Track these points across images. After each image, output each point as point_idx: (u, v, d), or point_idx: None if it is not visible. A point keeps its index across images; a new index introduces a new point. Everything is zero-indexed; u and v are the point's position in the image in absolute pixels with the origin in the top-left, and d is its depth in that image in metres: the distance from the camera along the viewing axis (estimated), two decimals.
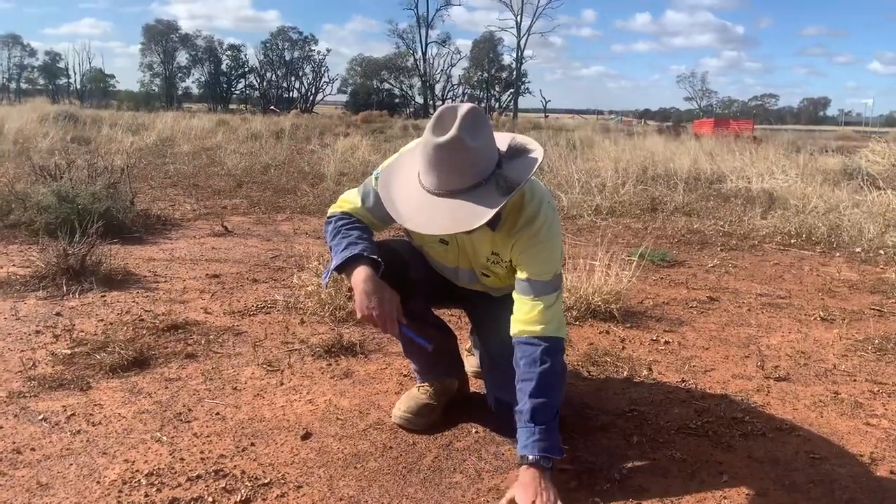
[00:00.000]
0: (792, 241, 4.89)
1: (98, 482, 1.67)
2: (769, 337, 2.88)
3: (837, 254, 4.55)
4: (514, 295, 1.76)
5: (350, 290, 2.74)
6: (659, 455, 1.90)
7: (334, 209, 1.89)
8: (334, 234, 1.83)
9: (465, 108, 1.59)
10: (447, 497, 1.67)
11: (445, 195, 1.59)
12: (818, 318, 3.15)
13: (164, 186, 6.21)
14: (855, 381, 2.46)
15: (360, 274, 1.73)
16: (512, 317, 1.74)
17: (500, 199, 1.58)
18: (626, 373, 2.44)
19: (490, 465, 1.82)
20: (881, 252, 4.54)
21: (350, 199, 1.88)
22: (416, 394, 2.07)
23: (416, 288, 1.91)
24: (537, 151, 1.71)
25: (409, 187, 1.66)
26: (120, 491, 1.63)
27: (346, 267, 1.76)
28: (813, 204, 5.78)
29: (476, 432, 1.99)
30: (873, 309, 3.34)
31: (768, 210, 5.78)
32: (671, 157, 8.64)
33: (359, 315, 1.74)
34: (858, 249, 4.65)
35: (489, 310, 2.00)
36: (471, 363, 2.35)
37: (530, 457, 1.64)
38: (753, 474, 1.82)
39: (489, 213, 1.57)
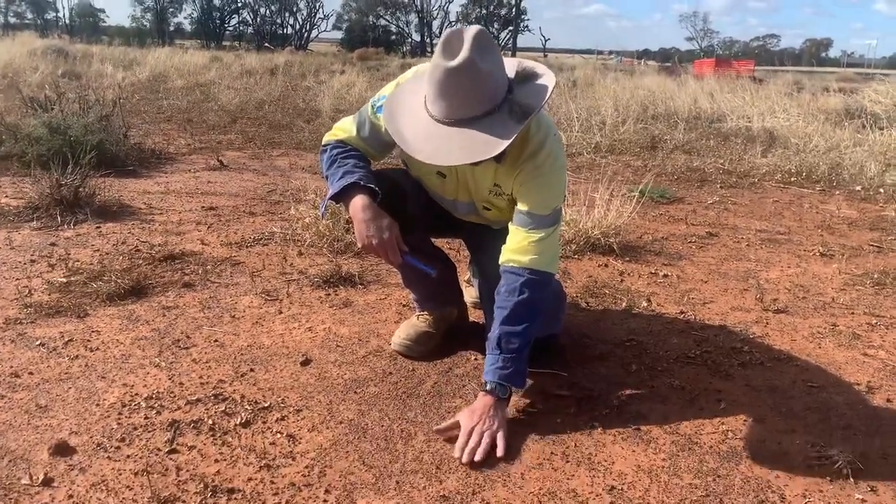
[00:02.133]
0: (792, 179, 4.85)
1: (97, 405, 1.67)
2: (768, 271, 2.87)
3: (837, 192, 4.52)
4: (510, 225, 1.73)
5: (349, 221, 2.71)
6: (657, 383, 1.91)
7: (329, 137, 1.83)
8: (330, 163, 1.78)
9: (472, 29, 1.52)
10: (447, 420, 1.67)
11: (457, 124, 1.53)
12: (817, 254, 3.14)
13: (157, 121, 6.10)
14: (853, 313, 2.46)
15: (358, 202, 1.69)
16: (504, 245, 1.72)
17: (515, 126, 1.52)
18: (624, 304, 2.44)
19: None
20: (881, 190, 4.52)
21: (345, 128, 1.82)
22: (415, 322, 2.06)
23: (415, 218, 1.88)
24: (548, 77, 1.64)
25: (415, 117, 1.60)
26: (119, 413, 1.63)
27: (342, 196, 1.72)
28: (814, 143, 5.72)
29: (475, 359, 1.99)
30: (872, 245, 3.33)
31: (769, 149, 5.72)
32: (671, 97, 8.50)
33: (359, 245, 1.71)
34: (858, 188, 4.62)
35: (488, 239, 1.97)
36: (470, 294, 2.34)
37: (487, 384, 1.65)
38: (751, 402, 1.83)
39: (504, 143, 1.51)
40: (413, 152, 1.56)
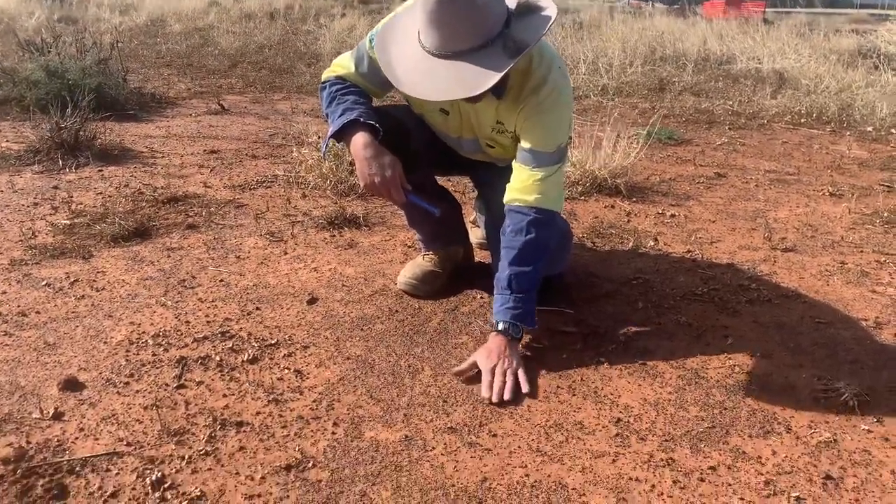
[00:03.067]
0: (802, 120, 4.77)
1: (105, 342, 1.67)
2: (776, 211, 2.84)
3: (848, 133, 4.45)
4: (514, 163, 1.70)
5: (352, 164, 2.68)
6: (664, 320, 1.90)
7: (328, 74, 1.78)
8: (329, 101, 1.73)
9: None
10: (453, 356, 1.67)
11: (448, 56, 1.48)
12: (826, 193, 3.10)
13: (156, 66, 6.00)
14: (862, 252, 2.44)
15: (359, 140, 1.66)
16: (508, 184, 1.69)
17: (507, 61, 1.46)
18: (631, 244, 2.42)
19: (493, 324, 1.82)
20: (893, 131, 4.44)
21: (343, 64, 1.77)
22: (421, 262, 2.05)
23: (419, 155, 1.84)
24: (550, 9, 1.58)
25: (407, 49, 1.54)
26: (127, 350, 1.64)
27: (343, 134, 1.68)
28: (825, 84, 5.61)
29: (481, 298, 1.98)
30: (882, 185, 3.29)
31: (778, 90, 5.61)
32: (680, 38, 8.31)
33: (361, 184, 1.68)
34: (870, 129, 4.54)
35: (495, 177, 1.94)
36: (475, 234, 2.32)
37: (500, 324, 1.64)
38: (759, 337, 1.83)
39: (494, 77, 1.46)
40: (400, 85, 1.52)
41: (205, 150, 3.36)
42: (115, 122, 3.66)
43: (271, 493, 1.22)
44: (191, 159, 3.21)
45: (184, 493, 1.21)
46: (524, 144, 1.66)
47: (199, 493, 1.21)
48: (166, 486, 1.22)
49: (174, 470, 1.27)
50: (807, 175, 3.43)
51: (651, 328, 1.86)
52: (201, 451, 1.32)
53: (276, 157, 3.32)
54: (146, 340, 1.68)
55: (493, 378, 1.55)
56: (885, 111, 4.76)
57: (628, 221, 2.66)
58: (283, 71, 5.77)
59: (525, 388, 1.56)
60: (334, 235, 2.39)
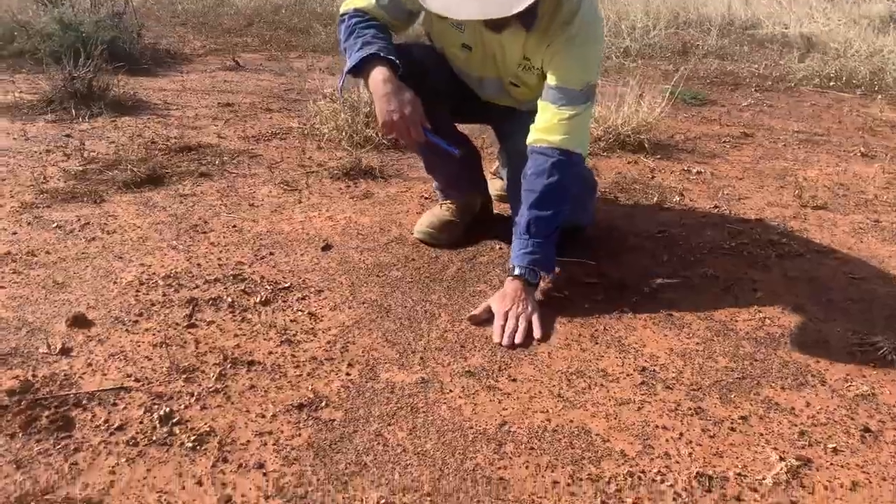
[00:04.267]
0: (831, 83, 4.62)
1: (115, 282, 1.63)
2: (806, 170, 2.74)
3: (880, 96, 4.30)
4: (539, 102, 1.62)
5: (368, 114, 2.61)
6: (691, 273, 1.83)
7: (346, 6, 1.71)
8: (348, 34, 1.66)
9: None
10: (471, 303, 1.62)
11: None
12: (858, 154, 3.00)
13: (171, 24, 5.92)
14: None
15: (378, 75, 1.58)
16: (532, 125, 1.61)
17: None
18: (655, 199, 2.34)
19: None
20: None
21: None
22: (438, 211, 1.99)
23: (439, 95, 1.76)
24: None
25: None
26: (137, 290, 1.59)
27: (361, 69, 1.61)
28: (855, 48, 5.43)
29: (500, 248, 1.92)
30: None
31: (806, 54, 5.44)
32: (704, 2, 8.08)
33: (380, 121, 1.61)
34: None
35: (517, 123, 1.86)
36: (495, 186, 2.25)
37: (516, 269, 1.59)
38: (790, 291, 1.75)
39: (526, 1, 1.40)
40: (428, 4, 1.45)
41: (219, 104, 3.29)
42: (128, 75, 3.59)
43: (283, 431, 1.17)
44: (205, 111, 3.15)
45: (192, 429, 1.17)
46: (551, 81, 1.58)
47: (207, 429, 1.17)
48: (174, 421, 1.18)
49: (183, 406, 1.22)
50: (837, 136, 3.31)
51: (677, 280, 1.79)
52: (211, 388, 1.27)
53: (290, 110, 3.25)
54: (156, 281, 1.64)
55: (505, 322, 1.50)
56: None
57: (652, 177, 2.57)
58: (300, 31, 5.67)
59: (537, 333, 1.50)
60: (349, 186, 2.32)
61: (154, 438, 1.14)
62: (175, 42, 4.79)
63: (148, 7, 6.71)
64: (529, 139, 1.62)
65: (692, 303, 1.68)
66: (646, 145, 2.85)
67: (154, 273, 1.67)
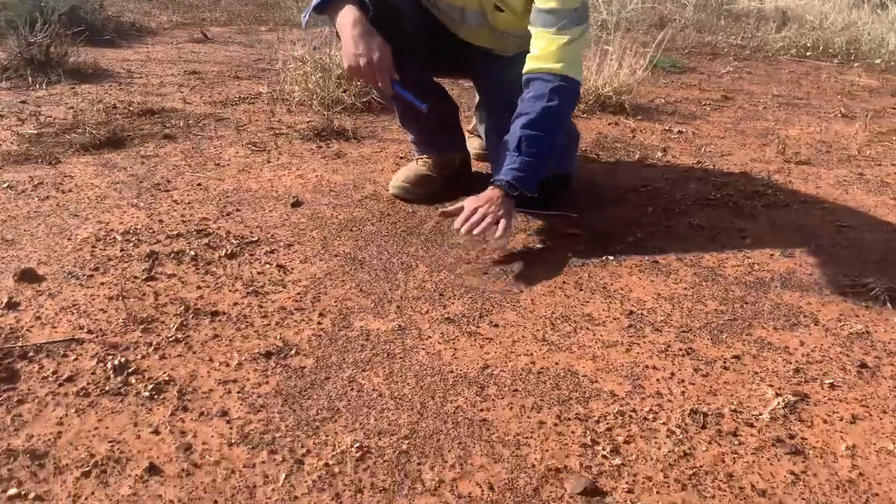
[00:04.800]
0: (808, 53, 4.59)
1: (69, 239, 1.52)
2: (787, 129, 2.69)
3: (856, 64, 4.28)
4: (533, 29, 1.54)
5: (340, 76, 2.51)
6: (676, 223, 1.77)
7: None
8: None
9: None
10: (449, 255, 1.54)
11: None
12: (838, 115, 2.96)
13: (136, 1, 5.73)
14: (880, 165, 2.31)
15: (348, 16, 1.49)
16: (527, 55, 1.53)
17: None
18: (637, 156, 2.27)
19: None
20: None
21: None
22: (414, 166, 1.90)
23: (412, 42, 1.67)
24: None
25: None
26: (93, 246, 1.49)
27: (328, 6, 1.51)
28: (830, 20, 5.41)
29: None
30: (895, 108, 3.13)
31: (782, 26, 5.42)
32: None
33: (345, 65, 1.52)
34: (878, 61, 4.37)
35: (497, 71, 1.78)
36: (474, 145, 2.16)
37: (498, 180, 1.52)
38: (778, 239, 1.70)
39: None
40: None
41: (185, 72, 3.17)
42: (90, 46, 3.45)
43: (248, 379, 1.09)
44: (170, 79, 3.02)
45: (150, 378, 1.07)
46: (543, 5, 1.49)
47: (166, 378, 1.08)
48: (130, 370, 1.09)
49: (140, 356, 1.13)
50: (816, 100, 3.27)
51: (662, 230, 1.72)
52: (171, 338, 1.18)
53: (260, 78, 3.13)
54: (115, 237, 1.54)
55: (470, 214, 1.46)
56: (893, 44, 4.58)
57: (633, 137, 2.51)
58: (270, 6, 5.52)
59: (499, 232, 1.45)
60: (321, 146, 2.23)
61: (107, 389, 1.05)
62: (140, 16, 4.63)
63: None
64: (527, 68, 1.54)
65: (679, 250, 1.62)
66: (626, 107, 2.79)
67: (112, 230, 1.57)
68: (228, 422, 0.99)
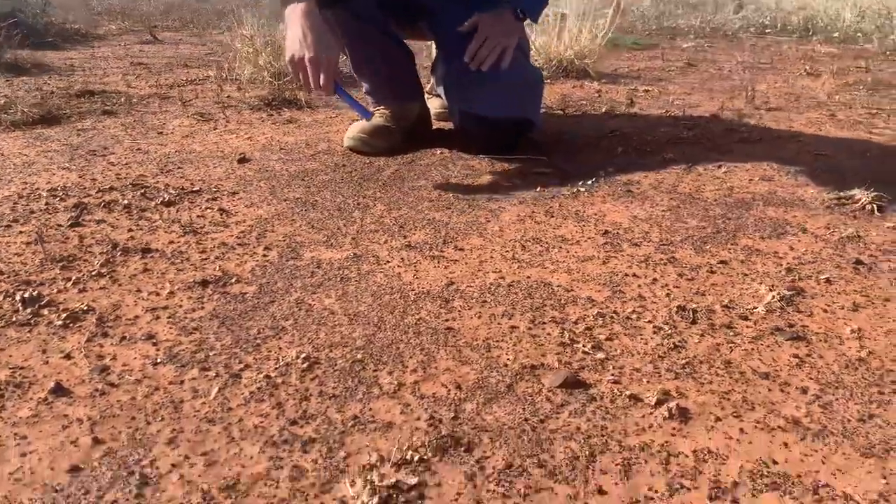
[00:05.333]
0: (767, 31, 4.60)
1: None
2: (755, 86, 2.63)
3: (815, 37, 4.28)
4: None
5: None
6: (648, 160, 1.68)
7: None
8: None
9: None
10: (412, 196, 1.42)
11: None
12: (804, 73, 2.92)
13: (85, 11, 5.59)
14: (850, 108, 2.25)
15: (299, 5, 1.38)
16: None
17: None
18: (604, 109, 2.19)
19: (458, 173, 1.58)
20: (859, 34, 4.28)
21: None
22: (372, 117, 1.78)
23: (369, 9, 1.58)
24: None
25: None
26: (15, 203, 1.36)
27: None
28: (786, 1, 5.46)
29: (442, 153, 1.73)
30: (858, 67, 3.11)
31: (739, 9, 5.45)
32: None
33: (287, 55, 1.40)
34: (836, 34, 4.38)
35: (457, 22, 1.67)
36: (434, 104, 2.06)
37: (508, 3, 1.58)
38: (755, 167, 1.62)
39: None
40: None
41: (131, 64, 3.04)
42: (32, 49, 3.30)
43: (181, 306, 0.96)
44: (115, 70, 2.89)
45: (65, 309, 0.94)
46: None
47: (84, 308, 0.94)
48: (42, 303, 0.95)
49: (56, 290, 1.00)
50: (780, 64, 3.24)
51: (635, 166, 1.63)
52: (94, 272, 1.04)
53: (210, 66, 3.01)
54: (40, 194, 1.40)
55: (480, 46, 1.53)
56: (849, 18, 4.61)
57: (599, 96, 2.43)
58: (224, 13, 5.41)
59: (506, 62, 1.54)
60: (272, 115, 2.11)
61: (14, 320, 0.91)
62: (86, 24, 4.49)
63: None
64: None
65: (653, 180, 1.52)
66: (590, 72, 2.71)
67: (38, 188, 1.43)
68: (155, 344, 0.86)
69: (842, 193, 1.40)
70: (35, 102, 2.16)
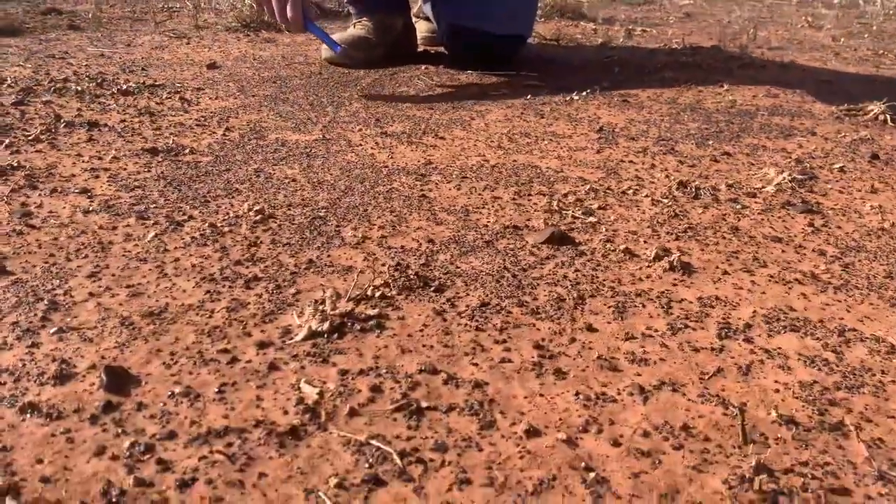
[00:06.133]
0: None
1: None
2: (756, 31, 2.53)
3: (815, 1, 4.17)
4: None
5: None
6: (647, 79, 1.58)
7: None
8: None
9: None
10: (389, 98, 1.31)
11: None
12: (805, 25, 2.81)
13: None
14: (855, 50, 2.15)
15: None
16: None
17: None
18: (600, 41, 2.08)
19: (443, 82, 1.47)
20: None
21: None
22: (351, 30, 1.67)
23: None
24: None
25: None
26: None
27: None
28: None
29: (426, 68, 1.62)
30: (861, 23, 3.01)
31: None
32: None
33: None
34: (837, 0, 4.26)
35: None
36: (421, 28, 1.94)
37: None
38: (758, 86, 1.52)
39: None
40: None
41: (110, 4, 2.88)
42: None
43: (125, 169, 0.85)
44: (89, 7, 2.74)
45: None
46: None
47: (14, 165, 0.83)
48: None
49: None
50: (781, 18, 3.13)
51: (632, 81, 1.52)
52: (31, 138, 0.93)
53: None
54: None
55: None
56: None
57: (595, 32, 2.31)
58: None
59: None
60: (249, 35, 1.99)
61: None
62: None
63: None
64: None
65: (651, 93, 1.43)
66: (586, 13, 2.60)
67: None
68: (90, 197, 0.76)
69: (852, 106, 1.30)
70: None
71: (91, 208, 0.72)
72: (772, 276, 0.62)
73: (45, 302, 0.54)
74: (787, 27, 2.70)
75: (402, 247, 0.67)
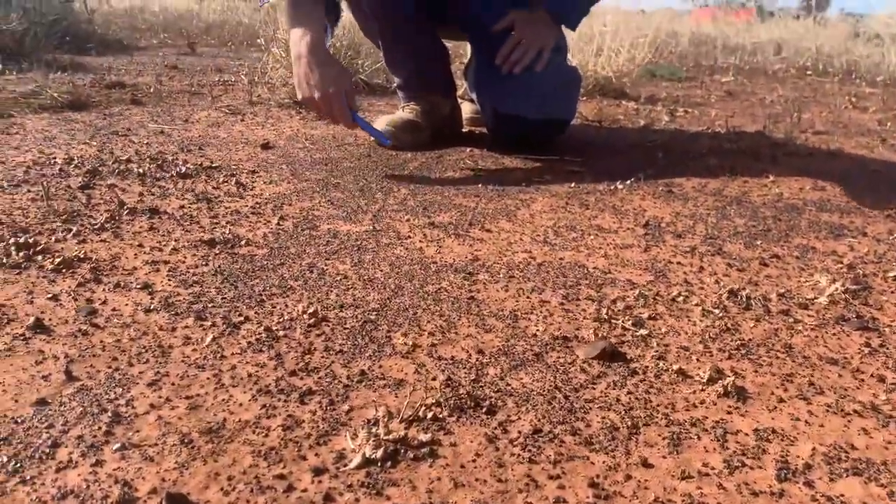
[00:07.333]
0: (808, 73, 4.50)
1: (2, 163, 1.33)
2: (800, 113, 2.54)
3: (857, 80, 4.18)
4: None
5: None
6: (692, 165, 1.59)
7: None
8: None
9: None
10: (436, 183, 1.34)
11: None
12: (849, 106, 2.81)
13: (129, 29, 5.69)
14: None
15: (305, 38, 1.35)
16: None
17: None
18: (643, 123, 2.11)
19: (488, 166, 1.50)
20: None
21: None
22: (399, 112, 1.73)
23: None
24: None
25: None
26: (28, 168, 1.32)
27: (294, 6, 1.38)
28: (827, 49, 5.38)
29: (471, 151, 1.66)
30: None
31: (779, 50, 5.38)
32: (674, 36, 8.13)
33: (299, 95, 1.37)
34: (880, 78, 4.27)
35: (490, 8, 1.62)
36: (466, 109, 2.00)
37: (548, 4, 1.55)
38: (805, 177, 1.51)
39: None
40: None
41: (166, 65, 3.03)
42: (72, 55, 3.32)
43: (184, 261, 0.88)
44: (149, 71, 2.88)
45: (60, 257, 0.86)
46: None
47: (80, 256, 0.87)
48: (37, 249, 0.88)
49: (54, 240, 0.93)
50: (823, 98, 3.14)
51: (676, 169, 1.53)
52: (96, 226, 0.98)
53: (242, 73, 2.99)
54: (55, 161, 1.35)
55: (512, 49, 1.49)
56: (894, 63, 4.50)
57: (637, 113, 2.35)
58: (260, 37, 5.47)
59: (540, 66, 1.48)
60: (301, 112, 2.06)
61: (3, 262, 0.84)
62: (129, 36, 4.55)
63: (106, 16, 6.49)
64: None
65: (696, 183, 1.43)
66: (627, 91, 2.64)
67: (54, 157, 1.38)
68: (150, 294, 0.78)
69: None
70: (66, 91, 2.14)
71: (152, 306, 0.75)
72: (829, 407, 0.61)
73: (109, 414, 0.55)
74: (831, 108, 2.70)
75: (452, 357, 0.67)
